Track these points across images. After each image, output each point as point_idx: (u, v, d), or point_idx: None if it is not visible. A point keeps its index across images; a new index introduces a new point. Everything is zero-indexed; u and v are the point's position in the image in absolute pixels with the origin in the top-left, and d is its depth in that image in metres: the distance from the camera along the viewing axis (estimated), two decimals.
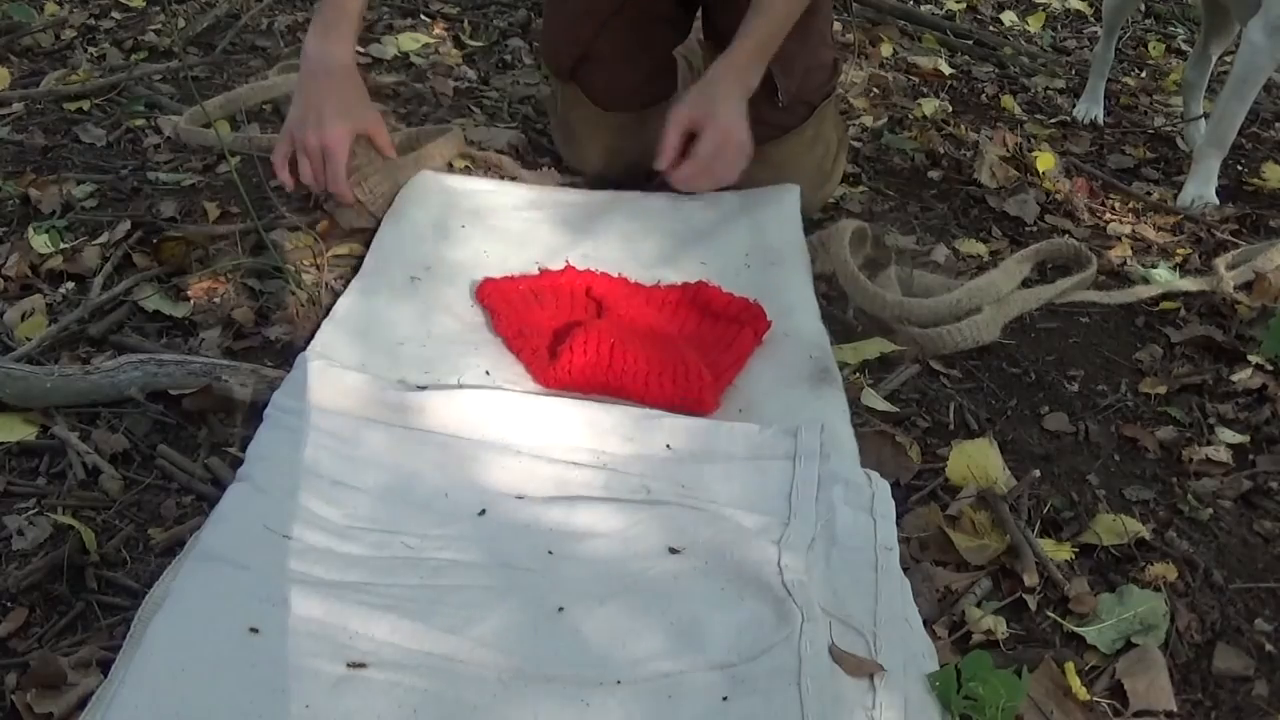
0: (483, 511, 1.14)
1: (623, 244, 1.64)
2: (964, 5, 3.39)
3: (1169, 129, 2.56)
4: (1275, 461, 1.38)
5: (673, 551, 1.09)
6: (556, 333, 1.39)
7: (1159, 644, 1.09)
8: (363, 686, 0.93)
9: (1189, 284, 1.76)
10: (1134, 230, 2.00)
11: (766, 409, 1.32)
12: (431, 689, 0.93)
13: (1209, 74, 2.50)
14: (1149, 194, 2.16)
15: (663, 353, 1.34)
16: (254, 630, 0.96)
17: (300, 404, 1.22)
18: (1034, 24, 3.32)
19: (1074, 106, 2.61)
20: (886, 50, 2.80)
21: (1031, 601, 1.14)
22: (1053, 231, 1.96)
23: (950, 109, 2.49)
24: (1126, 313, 1.70)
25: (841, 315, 1.59)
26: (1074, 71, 2.89)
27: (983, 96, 2.64)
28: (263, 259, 1.58)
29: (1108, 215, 2.06)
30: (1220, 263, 1.79)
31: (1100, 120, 2.55)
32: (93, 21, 2.56)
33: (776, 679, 0.94)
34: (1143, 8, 3.45)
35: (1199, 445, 1.40)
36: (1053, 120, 2.54)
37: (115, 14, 2.61)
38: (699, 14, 1.93)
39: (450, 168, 1.82)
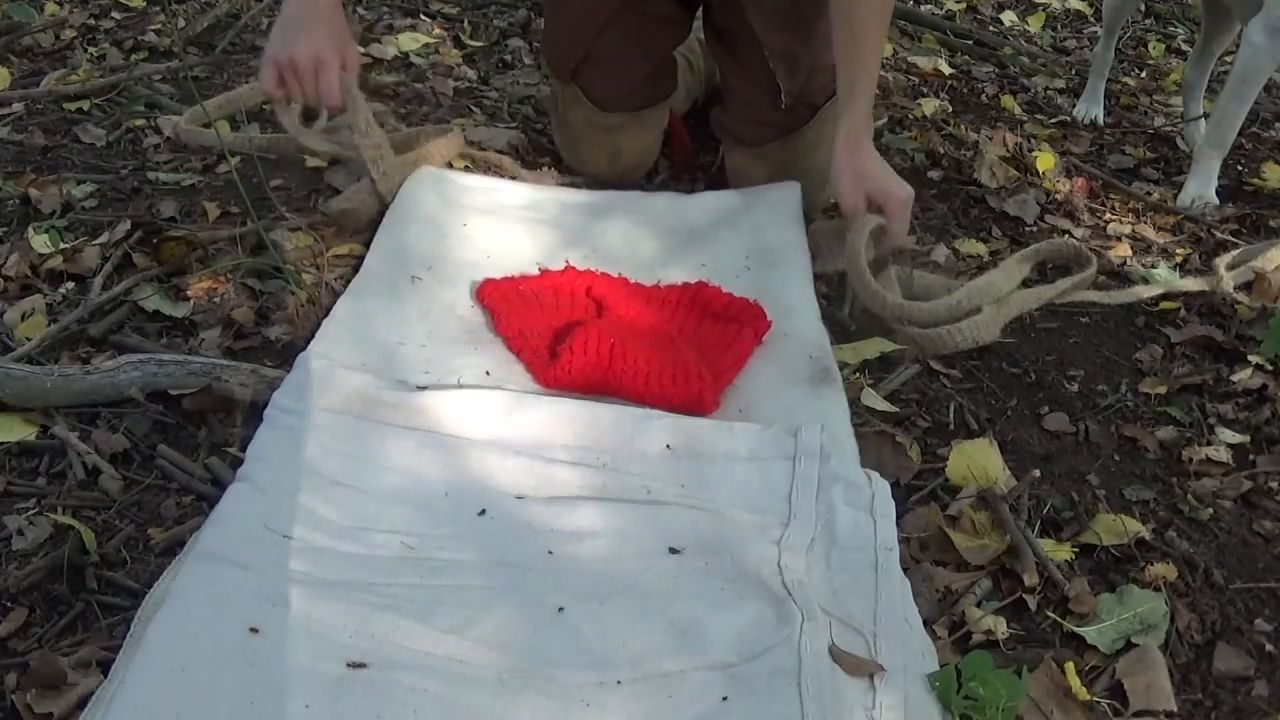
0: (483, 511, 1.14)
1: (623, 244, 1.64)
2: (964, 5, 3.38)
3: (1169, 129, 2.55)
4: (1275, 461, 1.38)
5: (673, 551, 1.09)
6: (557, 333, 1.39)
7: (1159, 644, 1.09)
8: (363, 686, 0.93)
9: (1189, 284, 1.76)
10: (1134, 230, 2.00)
11: (766, 409, 1.32)
12: (431, 689, 0.93)
13: (1209, 74, 2.50)
14: (1149, 194, 2.16)
15: (663, 353, 1.34)
16: (254, 630, 0.96)
17: (300, 404, 1.22)
18: (1034, 24, 3.32)
19: (1074, 106, 2.61)
20: (886, 50, 2.80)
21: (1031, 601, 1.14)
22: (1053, 231, 1.96)
23: (950, 109, 2.48)
24: (1126, 313, 1.70)
25: (841, 315, 1.59)
26: (1074, 71, 2.89)
27: (983, 96, 2.64)
28: (263, 259, 1.58)
29: (1108, 215, 2.06)
30: (1220, 263, 1.79)
31: (1100, 120, 2.55)
32: (93, 21, 2.55)
33: (776, 679, 0.94)
34: (1143, 8, 3.45)
35: (1199, 445, 1.40)
36: (1053, 120, 2.53)
37: (115, 14, 2.60)
38: (699, 13, 1.93)
39: (450, 167, 1.82)
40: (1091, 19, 3.45)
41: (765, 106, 1.79)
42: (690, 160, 2.01)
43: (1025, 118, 2.53)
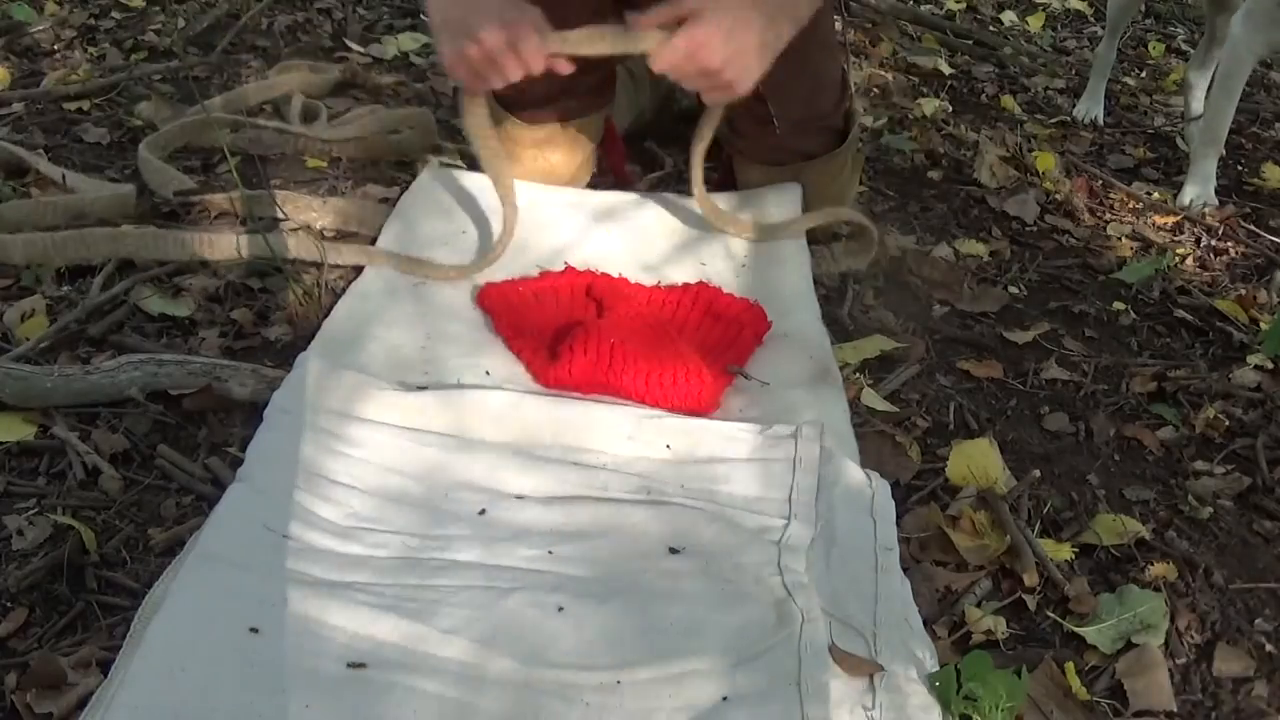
0: (483, 511, 1.14)
1: (623, 244, 1.64)
2: (964, 5, 3.39)
3: (1169, 129, 2.56)
4: (1275, 461, 1.38)
5: (673, 551, 1.09)
6: (557, 333, 1.39)
7: (1159, 644, 1.09)
8: (363, 686, 0.93)
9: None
10: (1134, 230, 2.00)
11: (766, 409, 1.32)
12: (431, 689, 0.93)
13: (1211, 74, 2.50)
14: (1149, 194, 2.16)
15: (663, 353, 1.34)
16: (254, 630, 0.96)
17: (300, 404, 1.22)
18: (1034, 24, 3.32)
19: (1074, 106, 2.61)
20: (886, 50, 2.80)
21: (1031, 601, 1.14)
22: (1053, 231, 1.96)
23: (950, 109, 2.48)
24: (1126, 312, 1.70)
25: (841, 315, 1.59)
26: (1074, 71, 2.89)
27: (983, 96, 2.64)
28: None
29: (1108, 215, 2.07)
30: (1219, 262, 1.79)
31: (1100, 120, 2.55)
32: (93, 21, 2.55)
33: (776, 679, 0.94)
34: (1144, 8, 3.45)
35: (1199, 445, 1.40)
36: (1053, 120, 2.54)
37: (115, 14, 2.60)
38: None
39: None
40: (1091, 19, 3.46)
41: (777, 127, 1.67)
42: (624, 180, 1.87)
43: (1025, 118, 2.53)
